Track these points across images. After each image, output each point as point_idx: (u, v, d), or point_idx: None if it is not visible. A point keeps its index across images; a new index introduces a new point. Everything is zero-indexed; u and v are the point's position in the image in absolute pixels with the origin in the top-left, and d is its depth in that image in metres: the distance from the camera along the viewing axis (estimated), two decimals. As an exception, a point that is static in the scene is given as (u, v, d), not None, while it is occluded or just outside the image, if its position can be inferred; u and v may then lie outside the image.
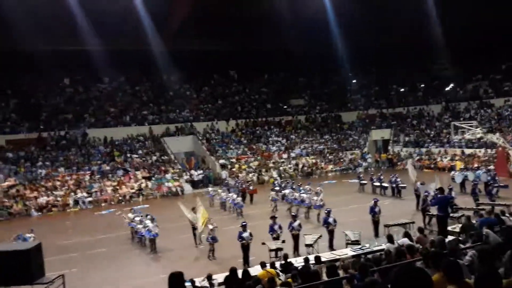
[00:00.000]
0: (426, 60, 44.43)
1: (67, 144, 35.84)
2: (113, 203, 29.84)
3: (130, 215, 19.58)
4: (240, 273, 9.68)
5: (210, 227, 15.60)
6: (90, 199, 29.84)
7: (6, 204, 27.92)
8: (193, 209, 17.57)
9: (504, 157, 29.06)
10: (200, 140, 39.03)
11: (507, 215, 12.06)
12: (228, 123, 42.87)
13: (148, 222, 17.34)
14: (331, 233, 15.37)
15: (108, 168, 33.65)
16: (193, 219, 17.21)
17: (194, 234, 17.23)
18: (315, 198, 20.63)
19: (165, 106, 43.10)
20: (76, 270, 15.09)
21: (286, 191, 24.38)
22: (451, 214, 16.43)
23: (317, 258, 10.63)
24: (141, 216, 18.87)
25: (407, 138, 41.10)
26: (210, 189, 28.35)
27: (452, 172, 27.40)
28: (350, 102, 49.95)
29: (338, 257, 12.69)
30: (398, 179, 24.64)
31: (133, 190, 31.31)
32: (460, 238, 10.49)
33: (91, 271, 15.11)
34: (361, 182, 27.68)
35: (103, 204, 29.68)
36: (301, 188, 23.97)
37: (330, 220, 15.47)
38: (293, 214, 17.15)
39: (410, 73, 47.92)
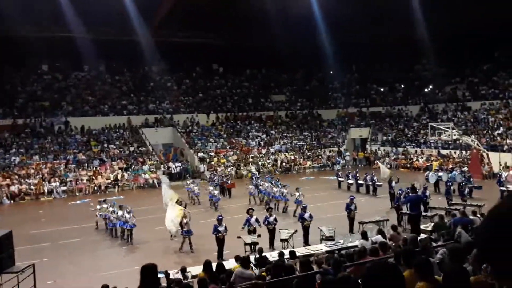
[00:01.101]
0: (408, 61, 44.91)
1: (43, 132, 35.08)
2: (88, 193, 29.41)
3: (104, 206, 19.30)
4: (214, 266, 9.66)
5: (185, 220, 15.51)
6: (64, 188, 29.34)
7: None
8: (178, 202, 17.75)
9: (478, 159, 29.73)
10: (179, 132, 38.72)
11: (478, 215, 12.34)
12: (208, 117, 42.62)
13: (121, 213, 17.15)
14: (305, 229, 15.41)
15: (84, 157, 33.11)
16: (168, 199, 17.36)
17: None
18: (296, 193, 20.61)
19: (145, 97, 42.58)
20: (48, 259, 14.83)
21: (266, 185, 24.40)
22: (424, 213, 16.72)
23: (292, 253, 10.69)
24: (112, 207, 18.62)
25: (385, 137, 41.61)
26: (188, 182, 28.13)
27: (427, 172, 27.88)
28: (331, 99, 50.29)
29: (312, 252, 12.81)
30: (375, 177, 24.93)
31: (109, 181, 30.90)
32: (432, 237, 10.70)
33: (63, 261, 14.88)
34: (339, 179, 27.92)
35: (77, 194, 29.24)
36: (279, 182, 24.03)
37: (306, 215, 15.53)
38: (269, 207, 17.19)
39: (391, 73, 48.42)
